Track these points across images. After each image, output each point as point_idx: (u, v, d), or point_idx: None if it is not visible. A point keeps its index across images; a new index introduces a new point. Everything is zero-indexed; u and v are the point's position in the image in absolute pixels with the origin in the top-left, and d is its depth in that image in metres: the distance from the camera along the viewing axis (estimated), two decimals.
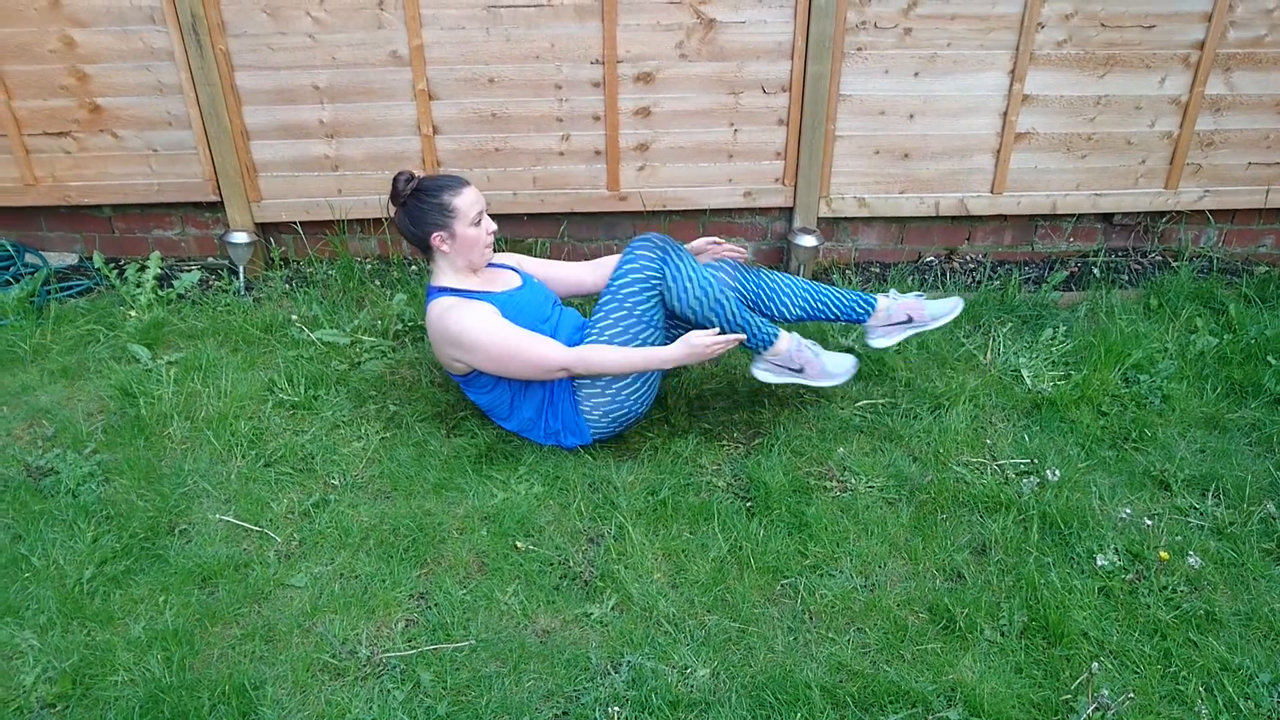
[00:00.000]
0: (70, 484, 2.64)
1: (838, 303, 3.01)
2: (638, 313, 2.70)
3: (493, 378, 2.76)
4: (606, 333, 2.72)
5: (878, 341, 3.04)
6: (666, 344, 2.79)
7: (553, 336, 2.76)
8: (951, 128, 3.82)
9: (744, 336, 2.68)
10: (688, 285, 2.71)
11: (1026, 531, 2.53)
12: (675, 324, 2.84)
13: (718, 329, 2.71)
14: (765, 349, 2.87)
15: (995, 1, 3.61)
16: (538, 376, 2.71)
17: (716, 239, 3.09)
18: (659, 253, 2.72)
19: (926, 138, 3.84)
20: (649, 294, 2.71)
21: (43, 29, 3.52)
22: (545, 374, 2.69)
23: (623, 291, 2.71)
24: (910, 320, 3.00)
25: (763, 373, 2.91)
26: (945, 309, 3.01)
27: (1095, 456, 2.85)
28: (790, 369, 2.87)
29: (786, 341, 2.88)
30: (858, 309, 3.01)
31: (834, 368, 2.90)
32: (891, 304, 3.01)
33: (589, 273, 3.09)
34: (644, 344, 2.73)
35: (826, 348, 3.02)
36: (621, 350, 2.67)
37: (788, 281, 3.01)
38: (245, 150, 3.73)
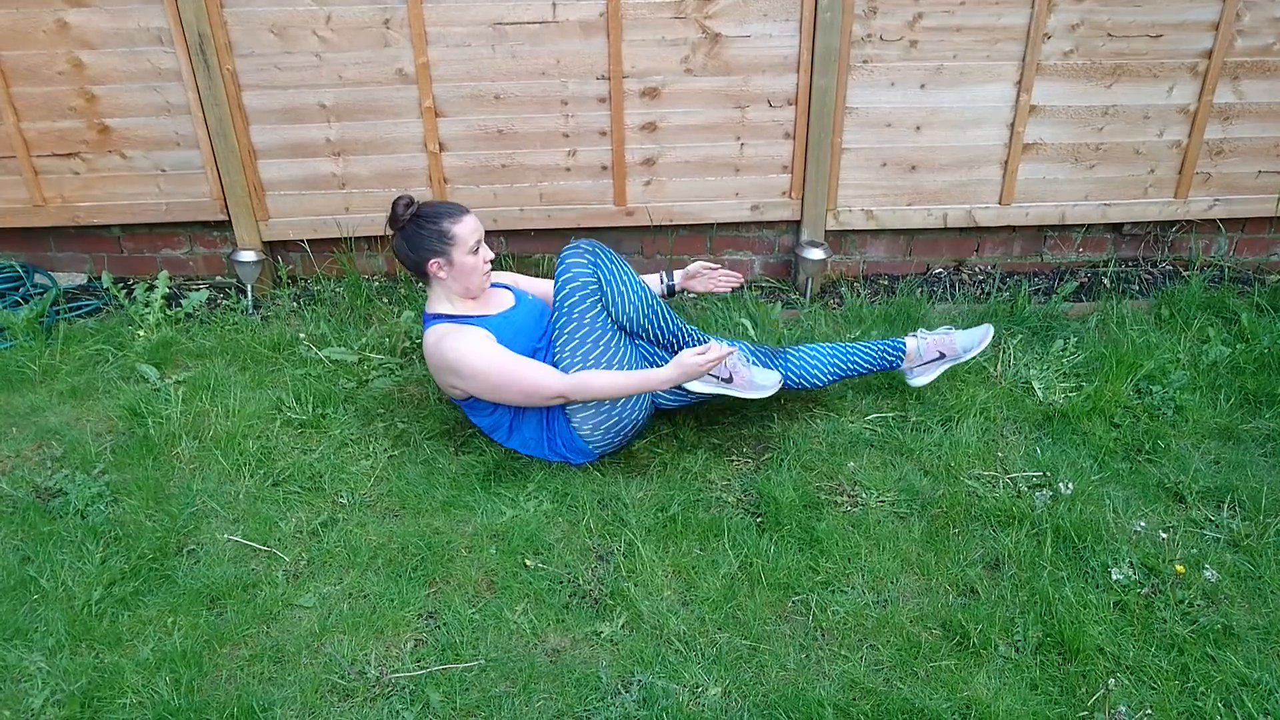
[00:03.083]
0: (79, 505, 2.64)
1: (866, 358, 3.01)
2: (589, 321, 2.71)
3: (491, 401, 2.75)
4: (570, 350, 2.71)
5: (916, 381, 3.07)
6: (632, 348, 2.80)
7: (547, 355, 2.75)
8: (959, 139, 3.81)
9: (735, 350, 2.67)
10: (623, 291, 2.73)
11: (1040, 545, 2.50)
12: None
13: (703, 345, 2.69)
14: (901, 362, 2.99)
15: (1001, 13, 3.60)
16: (533, 404, 2.69)
17: (711, 265, 3.09)
18: (590, 257, 2.73)
19: (934, 149, 3.83)
20: (593, 300, 2.72)
21: (51, 51, 3.54)
22: (541, 401, 2.67)
23: (568, 305, 2.72)
24: (943, 356, 3.02)
25: (693, 384, 2.81)
26: (975, 339, 3.03)
27: (1108, 469, 2.82)
28: (720, 379, 2.83)
29: (911, 343, 3.01)
30: (888, 357, 3.02)
31: (761, 380, 2.86)
32: (920, 344, 3.03)
33: None
34: (613, 351, 2.73)
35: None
36: (615, 374, 2.65)
37: (814, 353, 2.99)
38: (253, 169, 3.74)
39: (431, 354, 2.73)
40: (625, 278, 2.75)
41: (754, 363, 2.93)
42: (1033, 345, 3.48)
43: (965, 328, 3.09)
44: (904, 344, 3.02)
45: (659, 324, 2.79)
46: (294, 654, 2.21)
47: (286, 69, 3.59)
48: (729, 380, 2.83)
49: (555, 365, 2.73)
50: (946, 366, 3.03)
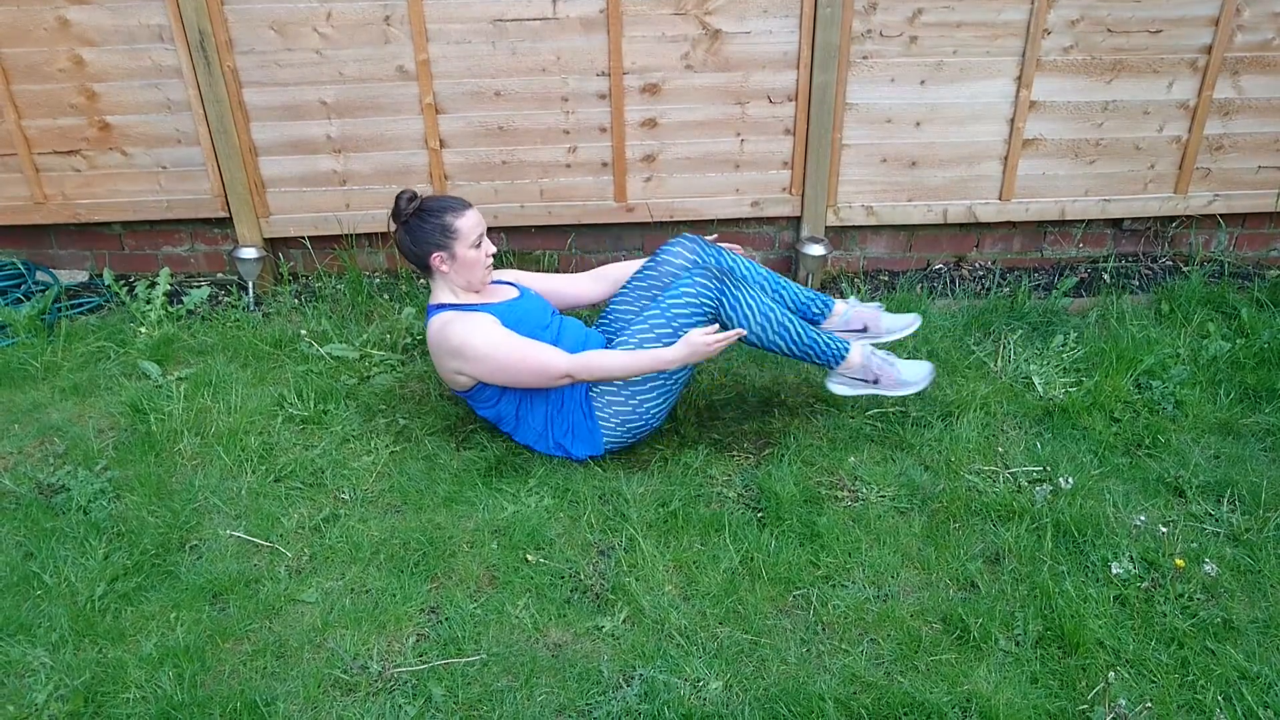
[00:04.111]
0: (81, 501, 2.65)
1: (794, 295, 3.02)
2: (682, 333, 2.70)
3: (497, 391, 2.76)
4: (639, 336, 2.72)
5: (837, 388, 2.92)
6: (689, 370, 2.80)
7: (555, 343, 2.76)
8: (959, 135, 3.82)
9: (744, 332, 2.67)
10: (748, 315, 2.72)
11: (1040, 540, 2.51)
12: None
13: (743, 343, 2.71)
14: (838, 364, 2.86)
15: (1001, 9, 3.60)
16: (542, 384, 2.70)
17: (713, 237, 3.10)
18: (717, 283, 2.72)
19: (934, 145, 3.83)
20: (699, 319, 2.72)
21: (52, 49, 3.54)
22: (549, 380, 2.68)
23: (674, 309, 2.71)
24: (865, 329, 3.01)
25: (838, 387, 2.90)
26: (901, 324, 3.01)
27: (1108, 463, 2.83)
28: (865, 381, 2.86)
29: (859, 353, 2.86)
30: (814, 307, 3.03)
31: (910, 376, 2.87)
32: (849, 310, 3.03)
33: (590, 283, 3.09)
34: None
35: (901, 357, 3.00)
36: (623, 354, 2.67)
37: (764, 310, 2.82)
38: (253, 166, 3.75)
39: (436, 340, 2.73)
40: (751, 300, 2.73)
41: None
42: (1033, 341, 3.48)
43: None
44: (849, 346, 2.86)
45: (790, 338, 2.78)
46: (296, 649, 2.22)
47: (287, 66, 3.60)
48: (875, 382, 2.86)
49: (613, 346, 2.76)
50: (868, 391, 2.88)
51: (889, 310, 3.09)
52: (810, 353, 2.82)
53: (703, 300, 2.70)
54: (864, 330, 3.01)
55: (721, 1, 3.55)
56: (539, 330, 2.77)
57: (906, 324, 3.02)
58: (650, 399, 2.76)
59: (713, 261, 2.94)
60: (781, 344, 2.78)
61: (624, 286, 3.01)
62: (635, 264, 3.05)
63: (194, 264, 4.03)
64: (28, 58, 3.55)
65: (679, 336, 2.69)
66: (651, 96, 3.70)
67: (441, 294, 2.80)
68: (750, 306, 2.73)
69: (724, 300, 2.71)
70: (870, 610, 2.31)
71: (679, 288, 2.73)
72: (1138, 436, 2.95)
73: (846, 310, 3.03)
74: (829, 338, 2.83)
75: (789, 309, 2.98)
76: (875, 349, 2.91)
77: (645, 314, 2.75)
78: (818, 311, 3.03)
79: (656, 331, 2.71)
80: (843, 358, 2.85)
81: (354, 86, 3.64)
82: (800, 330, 2.78)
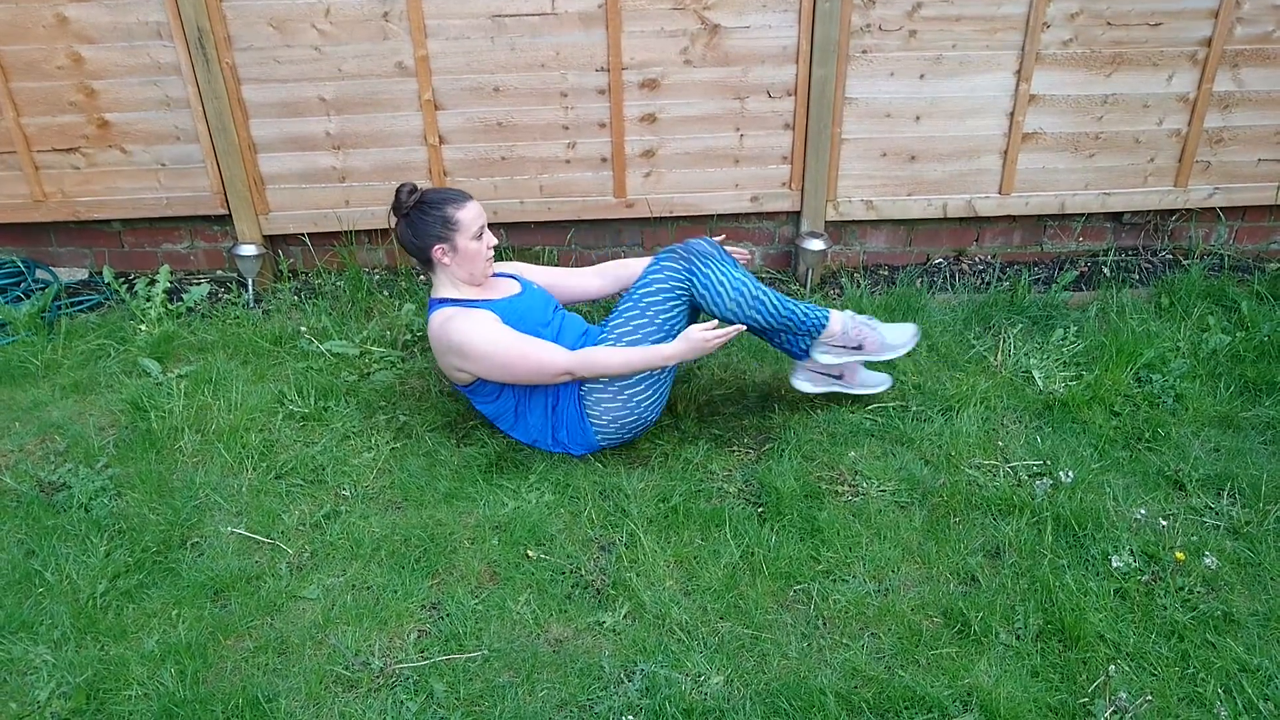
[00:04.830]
0: (82, 498, 2.65)
1: (783, 304, 2.79)
2: (659, 320, 2.70)
3: (497, 386, 2.76)
4: (618, 332, 2.72)
5: (802, 386, 2.93)
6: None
7: (554, 341, 2.76)
8: (958, 129, 3.81)
9: (742, 328, 2.67)
10: (721, 290, 2.70)
11: (1040, 534, 2.51)
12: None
13: (737, 326, 2.67)
14: (818, 333, 2.82)
15: (1000, 2, 3.60)
16: (541, 381, 2.71)
17: (720, 237, 3.10)
18: (684, 263, 2.71)
19: (933, 140, 3.83)
20: (673, 303, 2.71)
21: (50, 46, 3.54)
22: (549, 378, 2.68)
23: (646, 299, 2.72)
24: (860, 348, 2.86)
25: (823, 356, 2.87)
26: (905, 337, 2.89)
27: (1109, 457, 2.83)
28: (849, 348, 2.84)
29: (839, 321, 2.83)
30: (807, 316, 2.83)
31: (894, 339, 2.86)
32: (847, 324, 2.85)
33: (594, 278, 3.09)
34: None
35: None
36: (623, 350, 2.67)
37: (735, 282, 2.76)
38: (252, 163, 3.74)
39: (437, 336, 2.73)
40: (722, 273, 2.70)
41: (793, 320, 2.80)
42: (1033, 334, 3.48)
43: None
44: (828, 314, 2.81)
45: (768, 313, 2.73)
46: (298, 645, 2.22)
47: (286, 62, 3.59)
48: (859, 348, 2.82)
49: (596, 344, 2.76)
50: (859, 358, 2.87)
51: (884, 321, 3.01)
52: (790, 323, 2.78)
53: (673, 284, 2.70)
54: (859, 349, 2.87)
55: None
56: (540, 327, 2.77)
57: (910, 336, 2.92)
58: (642, 394, 2.75)
59: (681, 252, 2.83)
60: (759, 317, 2.73)
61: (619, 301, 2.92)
62: (640, 261, 3.03)
63: (194, 261, 4.03)
64: (26, 55, 3.55)
65: (657, 324, 2.70)
66: (651, 92, 3.70)
67: (443, 287, 2.80)
68: (722, 281, 2.70)
69: (694, 279, 2.70)
70: (871, 605, 2.31)
71: (648, 275, 2.73)
72: (1138, 430, 2.95)
73: (844, 324, 2.84)
74: (807, 307, 2.80)
75: (771, 313, 2.79)
76: (855, 314, 2.87)
77: (619, 308, 2.75)
78: (812, 320, 2.83)
79: (634, 324, 2.71)
80: (822, 327, 2.81)
81: (353, 83, 3.63)
82: (777, 301, 2.74)
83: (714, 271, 2.71)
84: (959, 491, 2.66)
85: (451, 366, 2.75)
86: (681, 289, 2.71)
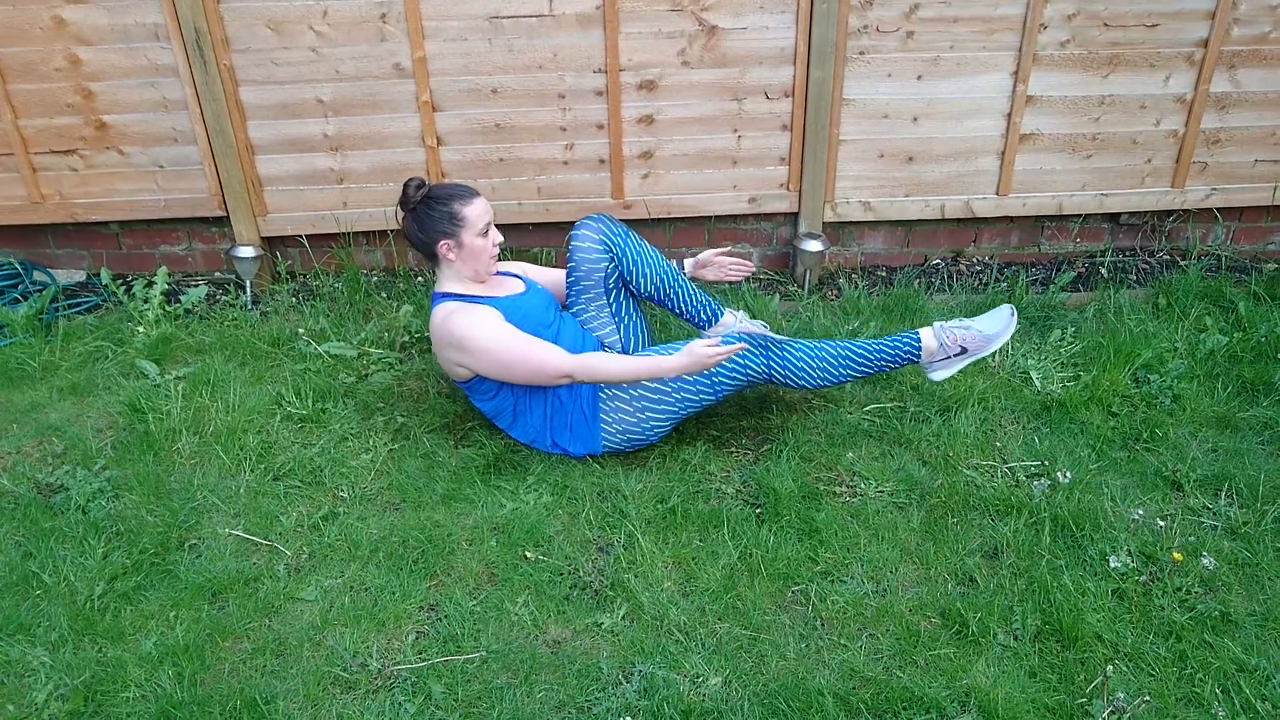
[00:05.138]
0: (80, 500, 2.65)
1: (875, 356, 2.81)
2: (584, 304, 2.91)
3: (496, 384, 2.76)
4: (593, 323, 2.91)
5: (937, 375, 2.87)
6: (641, 321, 2.95)
7: (555, 342, 2.76)
8: (956, 130, 3.82)
9: (745, 346, 2.67)
10: (805, 371, 2.74)
11: (1038, 534, 2.51)
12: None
13: (717, 339, 2.68)
14: (917, 358, 2.81)
15: (997, 3, 3.60)
16: (540, 382, 2.71)
17: (722, 252, 3.11)
18: (762, 351, 2.73)
19: (931, 140, 3.83)
20: (605, 266, 2.89)
21: (48, 48, 3.54)
22: (547, 379, 2.68)
23: (583, 283, 2.90)
24: (965, 351, 2.82)
25: (938, 374, 2.84)
26: (1001, 324, 2.83)
27: (1106, 458, 2.83)
28: (955, 356, 2.81)
29: (931, 337, 2.80)
30: (901, 352, 2.82)
31: (993, 329, 2.81)
32: (941, 335, 2.82)
33: None
34: (622, 314, 2.92)
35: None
36: (624, 358, 2.68)
37: (816, 355, 2.78)
38: (250, 165, 3.74)
39: (438, 330, 2.73)
40: (642, 252, 2.89)
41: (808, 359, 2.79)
42: (1030, 335, 3.49)
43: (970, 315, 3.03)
44: (918, 336, 2.81)
45: (858, 366, 2.79)
46: (296, 647, 2.22)
47: (283, 64, 3.59)
48: (963, 352, 2.81)
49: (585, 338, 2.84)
50: (971, 360, 2.83)
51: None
52: (885, 362, 2.79)
53: (596, 255, 2.88)
54: (964, 353, 2.82)
55: None
56: (541, 328, 2.77)
57: (1007, 323, 2.83)
58: (656, 417, 2.76)
59: (621, 242, 2.88)
60: (852, 373, 2.78)
61: (565, 287, 2.99)
62: None
63: (191, 263, 4.03)
64: (24, 57, 3.55)
65: (595, 303, 2.90)
66: (648, 93, 3.70)
67: (447, 282, 2.80)
68: (801, 359, 2.74)
69: (773, 369, 2.74)
70: (869, 605, 2.31)
71: (574, 258, 2.90)
72: (1135, 430, 2.95)
73: (938, 338, 2.81)
74: (892, 340, 2.79)
75: (869, 369, 2.82)
76: (944, 322, 2.83)
77: (569, 300, 2.96)
78: (908, 353, 2.81)
79: (592, 307, 2.94)
80: (917, 349, 2.79)
81: (350, 84, 3.63)
82: (864, 350, 2.76)
83: (789, 352, 2.73)
84: (957, 492, 2.66)
85: (450, 361, 2.74)
86: (605, 258, 2.88)
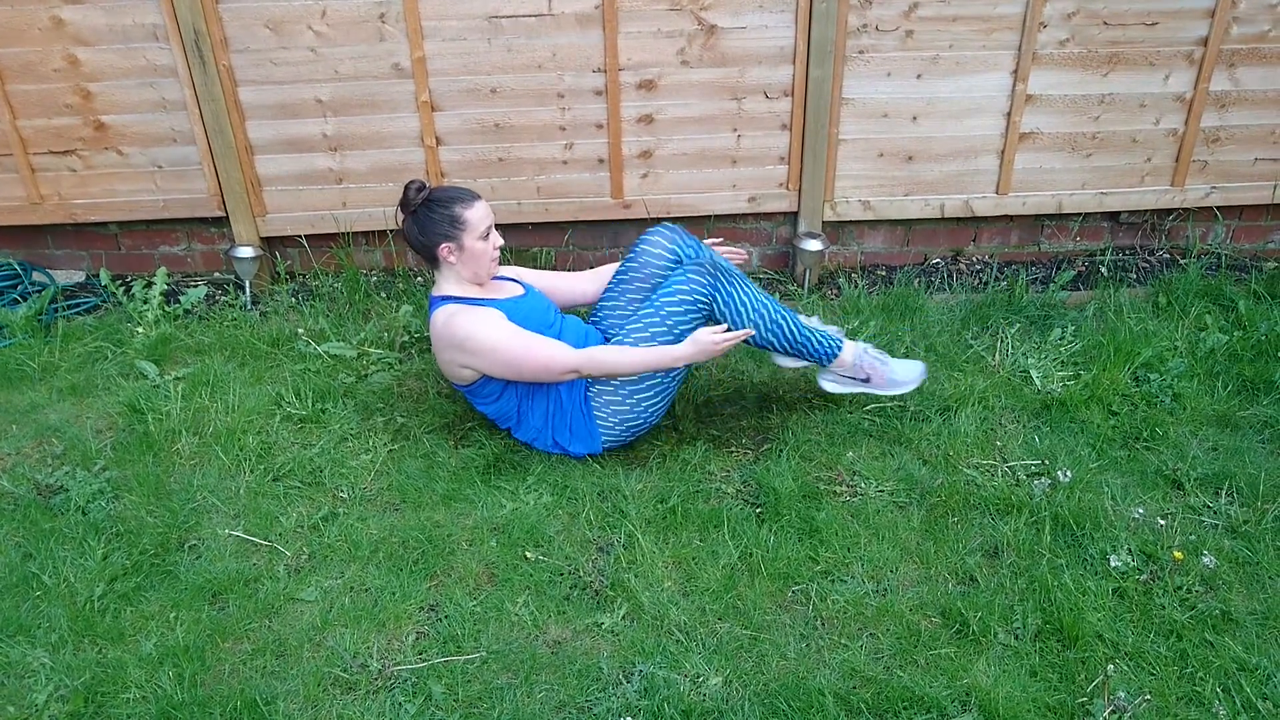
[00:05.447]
0: (80, 501, 2.65)
1: (800, 331, 2.82)
2: (677, 331, 2.70)
3: (499, 386, 2.76)
4: (635, 337, 2.72)
5: (828, 386, 2.93)
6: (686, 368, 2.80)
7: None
8: (955, 129, 3.81)
9: (751, 332, 2.67)
10: (742, 310, 2.72)
11: (1039, 533, 2.51)
12: None
13: (750, 331, 2.71)
14: (830, 361, 2.87)
15: (997, 2, 3.60)
16: (547, 378, 2.70)
17: (715, 241, 3.10)
18: (709, 279, 2.71)
19: (930, 140, 3.83)
20: (694, 316, 2.71)
21: (47, 48, 3.53)
22: (555, 375, 2.68)
23: (668, 308, 2.70)
24: (868, 380, 2.89)
25: (829, 384, 2.92)
26: (913, 375, 2.89)
27: (1106, 456, 2.83)
28: (857, 379, 2.88)
29: (850, 352, 2.87)
30: (819, 345, 2.84)
31: (902, 376, 2.89)
32: (859, 356, 2.88)
33: (589, 282, 3.09)
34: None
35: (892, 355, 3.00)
36: (632, 350, 2.67)
37: (759, 301, 2.81)
38: (249, 165, 3.74)
39: (441, 333, 2.73)
40: (745, 297, 2.73)
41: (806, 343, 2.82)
42: (1030, 334, 3.49)
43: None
44: (841, 344, 2.86)
45: (784, 335, 2.77)
46: (296, 648, 2.22)
47: (282, 64, 3.59)
48: (866, 380, 2.87)
49: (612, 344, 2.77)
50: (862, 391, 2.91)
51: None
52: (804, 350, 2.82)
53: (696, 298, 2.70)
54: (866, 381, 2.89)
55: None
56: (544, 328, 2.77)
57: (918, 375, 2.91)
58: (648, 397, 2.76)
59: (693, 254, 2.93)
60: (775, 340, 2.78)
61: (610, 282, 3.00)
62: None
63: (191, 263, 4.03)
64: (22, 57, 3.55)
65: (675, 334, 2.69)
66: (648, 92, 3.70)
67: (446, 285, 2.80)
68: (744, 303, 2.72)
69: (718, 296, 2.71)
70: (869, 605, 2.31)
71: (673, 285, 2.72)
72: (1136, 429, 2.95)
73: (856, 355, 2.87)
74: (822, 335, 2.84)
75: (787, 340, 2.83)
76: (869, 346, 2.91)
77: (639, 314, 2.75)
78: (824, 349, 2.84)
79: (652, 331, 2.70)
80: (835, 356, 2.85)
81: (349, 84, 3.63)
82: (794, 327, 2.78)
83: (738, 291, 2.73)
84: (957, 491, 2.66)
85: (455, 364, 2.74)
86: (704, 302, 2.71)
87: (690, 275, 2.72)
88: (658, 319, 2.71)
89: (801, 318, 2.87)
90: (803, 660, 2.17)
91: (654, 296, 2.74)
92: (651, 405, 2.78)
